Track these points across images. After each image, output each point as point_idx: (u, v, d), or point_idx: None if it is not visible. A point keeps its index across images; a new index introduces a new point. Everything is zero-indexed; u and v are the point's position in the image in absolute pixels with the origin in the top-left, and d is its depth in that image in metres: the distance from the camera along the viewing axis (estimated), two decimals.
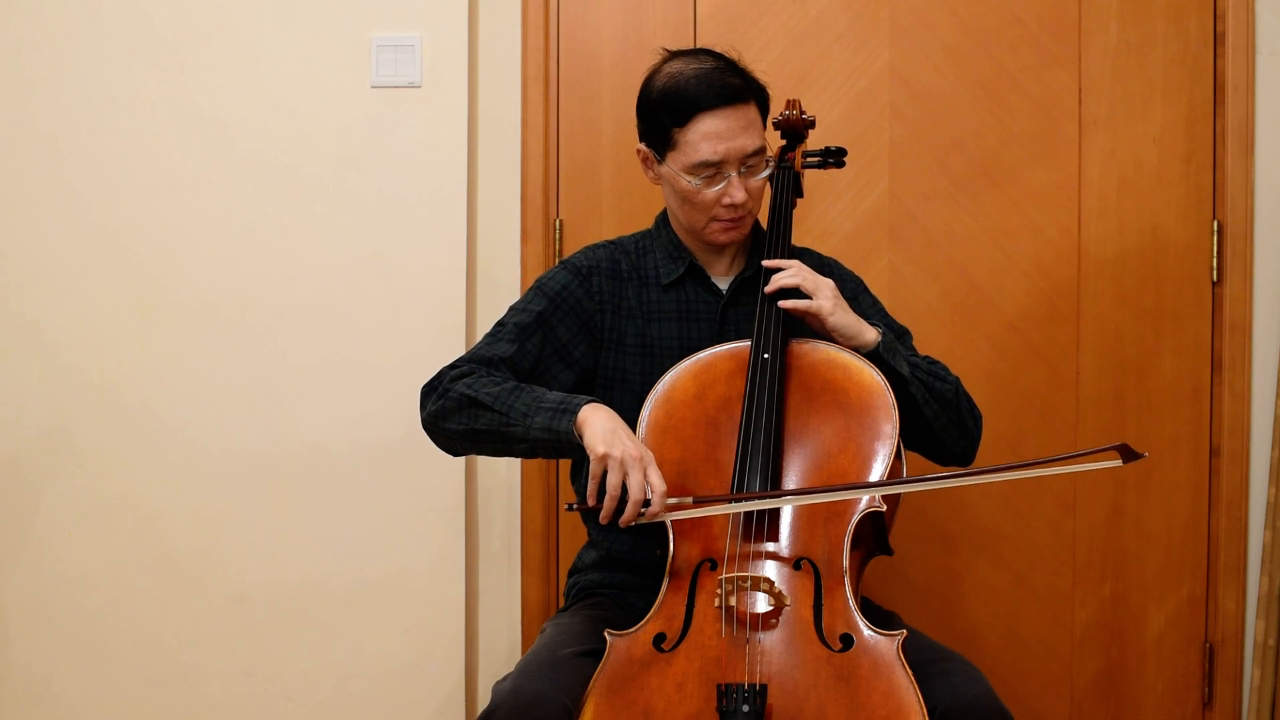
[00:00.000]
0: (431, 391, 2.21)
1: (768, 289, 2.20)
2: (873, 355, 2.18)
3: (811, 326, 2.21)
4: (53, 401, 2.86)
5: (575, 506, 2.06)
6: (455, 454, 2.26)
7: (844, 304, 2.21)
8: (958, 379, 2.31)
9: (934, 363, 2.32)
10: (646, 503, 2.00)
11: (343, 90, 2.82)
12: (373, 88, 2.82)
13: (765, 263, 2.25)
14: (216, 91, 2.83)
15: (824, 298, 2.19)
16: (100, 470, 2.85)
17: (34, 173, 2.86)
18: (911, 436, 2.24)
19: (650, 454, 2.03)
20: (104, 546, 2.85)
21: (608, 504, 2.01)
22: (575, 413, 2.06)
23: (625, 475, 2.00)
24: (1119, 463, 1.91)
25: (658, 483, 2.01)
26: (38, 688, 2.86)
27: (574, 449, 2.07)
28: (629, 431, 2.05)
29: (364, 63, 2.82)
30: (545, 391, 2.14)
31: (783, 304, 2.18)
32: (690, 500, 2.04)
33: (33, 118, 2.85)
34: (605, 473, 2.01)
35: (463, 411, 2.15)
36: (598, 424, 2.04)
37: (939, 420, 2.25)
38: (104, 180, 2.85)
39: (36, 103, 2.85)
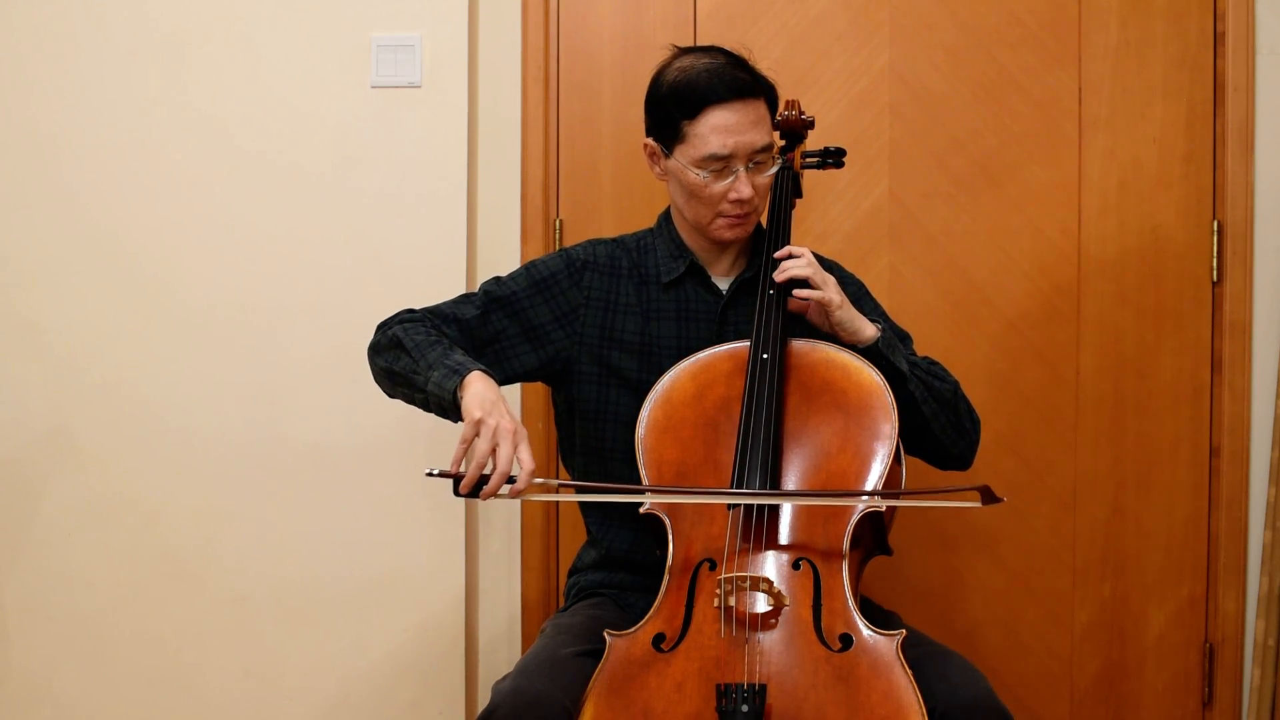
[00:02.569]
0: (381, 327, 2.25)
1: (779, 276, 2.20)
2: (872, 351, 2.19)
3: (812, 322, 2.22)
4: (53, 401, 2.86)
5: (436, 472, 2.00)
6: (385, 392, 2.26)
7: (847, 300, 2.22)
8: (957, 381, 2.32)
9: (934, 363, 2.33)
10: (512, 479, 1.98)
11: (343, 90, 2.82)
12: (373, 88, 2.82)
13: (779, 255, 2.24)
14: (217, 91, 2.83)
15: (833, 290, 2.19)
16: (101, 470, 2.85)
17: (34, 173, 2.86)
18: (909, 437, 2.24)
19: (525, 431, 2.01)
20: (104, 546, 2.85)
21: (472, 470, 1.98)
22: (464, 375, 2.05)
23: (495, 446, 1.97)
24: (978, 504, 1.97)
25: (527, 460, 1.98)
26: (38, 688, 2.86)
27: (455, 411, 2.06)
28: (509, 407, 2.03)
29: (364, 63, 2.82)
30: (458, 354, 2.13)
31: (797, 293, 2.18)
32: (555, 483, 2.03)
33: (33, 118, 2.85)
34: (476, 439, 1.98)
35: (390, 350, 2.18)
36: (479, 389, 2.03)
37: (937, 420, 2.25)
38: (104, 180, 2.85)
39: (36, 103, 2.85)
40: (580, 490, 2.05)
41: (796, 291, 2.18)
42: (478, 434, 1.97)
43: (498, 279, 2.34)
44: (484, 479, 1.97)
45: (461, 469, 2.00)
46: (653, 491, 2.09)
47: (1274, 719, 2.74)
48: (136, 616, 2.85)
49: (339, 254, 2.83)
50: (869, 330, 2.20)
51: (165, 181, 2.84)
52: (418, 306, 2.30)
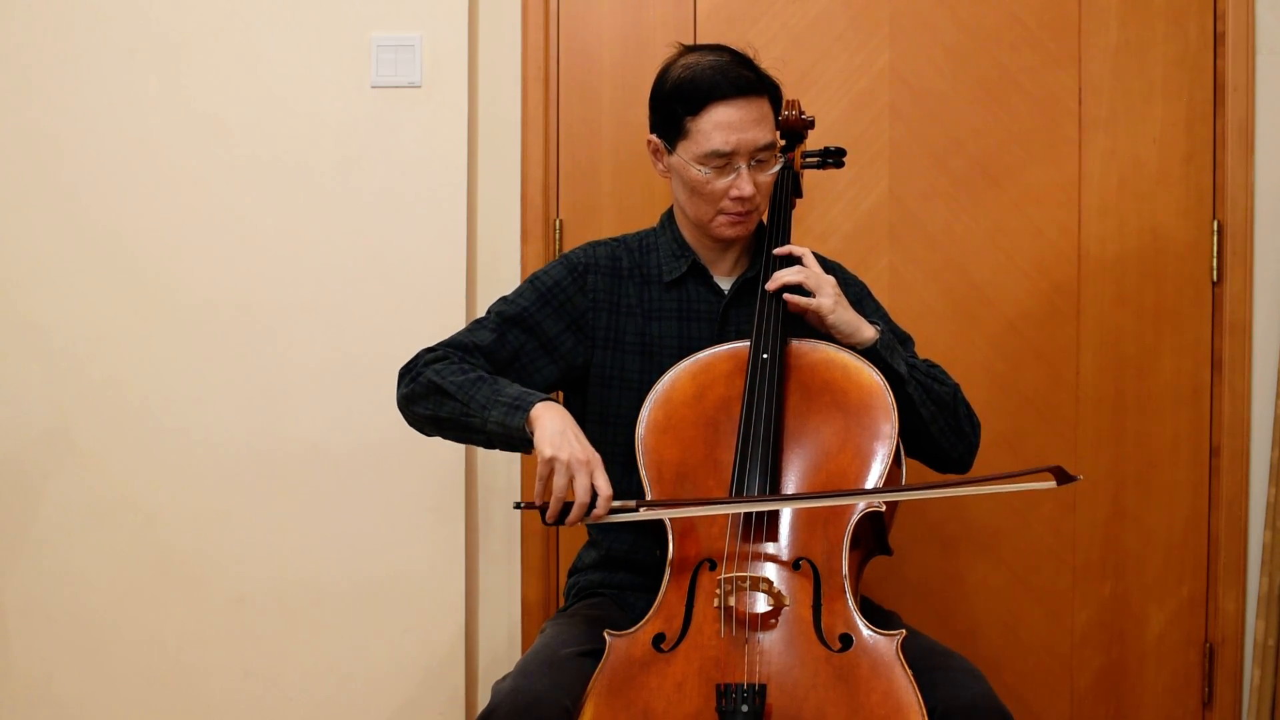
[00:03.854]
0: (406, 374, 2.23)
1: (770, 286, 2.21)
2: (871, 352, 2.19)
3: (811, 324, 2.22)
4: (53, 401, 2.86)
5: (523, 505, 2.07)
6: (427, 435, 2.26)
7: (844, 301, 2.22)
8: (957, 384, 2.31)
9: (933, 366, 2.33)
10: (592, 505, 2.02)
11: (343, 90, 2.82)
12: (373, 88, 2.82)
13: (779, 253, 2.25)
14: (217, 91, 2.83)
15: (826, 295, 2.19)
16: (100, 470, 2.85)
17: (34, 173, 2.86)
18: (908, 439, 2.24)
19: (598, 457, 2.04)
20: (104, 546, 2.85)
21: (553, 506, 2.02)
22: (528, 410, 2.07)
23: (571, 478, 2.01)
24: (1053, 484, 1.92)
25: (603, 486, 2.02)
26: (38, 688, 2.86)
27: (526, 445, 2.08)
28: (579, 433, 2.05)
29: (364, 63, 2.82)
30: (506, 385, 2.14)
31: (788, 297, 2.18)
32: (634, 504, 2.04)
33: (33, 118, 2.85)
34: (552, 476, 2.02)
35: (429, 397, 2.17)
36: (548, 424, 2.05)
37: (936, 423, 2.25)
38: (104, 180, 2.85)
39: (36, 103, 2.85)
40: (660, 508, 2.06)
41: (787, 297, 2.19)
42: (552, 470, 2.01)
43: (505, 298, 2.33)
44: (567, 508, 2.03)
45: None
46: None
47: (1274, 719, 2.74)
48: (136, 617, 2.85)
49: (339, 254, 2.83)
50: (867, 332, 2.20)
51: (165, 181, 2.84)
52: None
